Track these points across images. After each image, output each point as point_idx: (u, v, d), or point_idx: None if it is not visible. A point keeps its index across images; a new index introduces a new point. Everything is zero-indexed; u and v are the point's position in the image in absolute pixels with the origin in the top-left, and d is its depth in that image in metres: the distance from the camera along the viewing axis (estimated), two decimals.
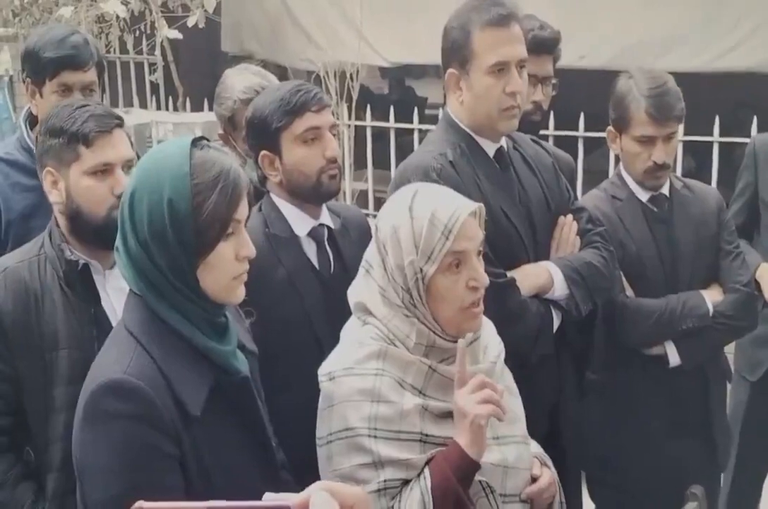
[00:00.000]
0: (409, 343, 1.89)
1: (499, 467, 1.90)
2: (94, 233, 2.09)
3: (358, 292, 1.97)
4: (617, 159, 2.93)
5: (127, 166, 2.12)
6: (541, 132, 3.27)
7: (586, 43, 5.12)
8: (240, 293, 1.75)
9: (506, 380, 2.04)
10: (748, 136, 3.91)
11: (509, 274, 2.34)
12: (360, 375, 1.86)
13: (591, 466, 2.80)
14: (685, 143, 4.73)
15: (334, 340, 2.00)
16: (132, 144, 2.22)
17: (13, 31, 6.36)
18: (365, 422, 1.82)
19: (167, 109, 6.57)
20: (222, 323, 1.76)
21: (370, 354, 1.87)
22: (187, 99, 6.36)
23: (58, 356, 2.07)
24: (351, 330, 1.98)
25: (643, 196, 2.76)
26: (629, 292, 2.71)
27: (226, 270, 1.69)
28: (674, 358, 2.69)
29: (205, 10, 5.95)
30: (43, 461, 2.09)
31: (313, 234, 2.38)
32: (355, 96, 5.76)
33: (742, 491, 3.43)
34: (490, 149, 2.44)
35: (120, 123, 2.14)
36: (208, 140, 1.74)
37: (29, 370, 2.08)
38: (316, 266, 2.37)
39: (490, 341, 2.04)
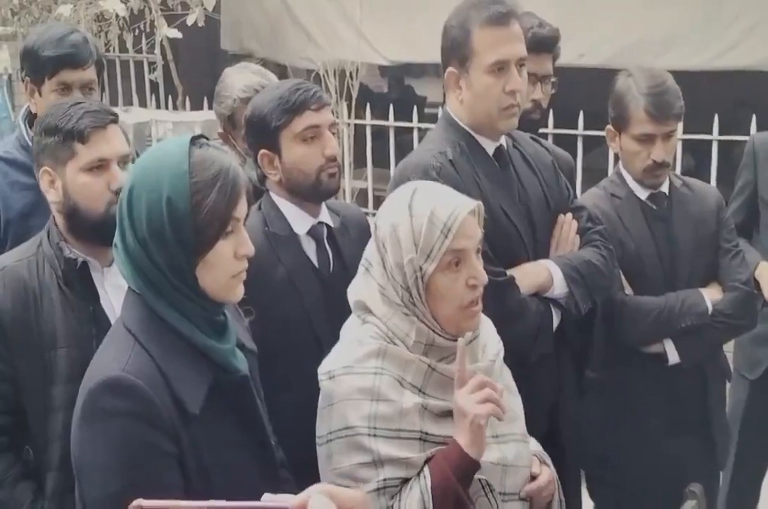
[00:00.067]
0: (408, 341, 1.89)
1: (499, 465, 1.90)
2: (93, 230, 2.08)
3: (357, 290, 1.97)
4: (616, 157, 2.93)
5: (123, 161, 2.12)
6: (541, 130, 3.27)
7: (586, 41, 5.12)
8: (239, 292, 1.74)
9: (505, 379, 2.04)
10: (748, 134, 3.91)
11: (509, 272, 2.33)
12: (360, 374, 1.85)
13: (590, 464, 2.79)
14: (685, 142, 4.72)
15: (334, 339, 2.00)
16: (128, 140, 2.21)
17: (12, 30, 6.33)
18: (365, 421, 1.82)
19: (167, 107, 6.57)
20: (221, 322, 1.75)
21: (369, 353, 1.87)
22: (187, 98, 6.35)
23: (57, 354, 2.07)
24: (350, 329, 1.98)
25: (643, 194, 2.76)
26: (628, 290, 2.71)
27: (225, 268, 1.69)
28: (673, 356, 2.69)
29: (205, 9, 5.94)
30: (42, 460, 2.09)
31: (313, 233, 2.38)
32: (354, 95, 5.76)
33: (741, 489, 3.43)
34: (490, 147, 2.43)
35: (114, 119, 2.14)
36: (207, 139, 1.74)
37: (28, 369, 2.07)
38: (316, 264, 2.37)
39: (489, 340, 2.04)
